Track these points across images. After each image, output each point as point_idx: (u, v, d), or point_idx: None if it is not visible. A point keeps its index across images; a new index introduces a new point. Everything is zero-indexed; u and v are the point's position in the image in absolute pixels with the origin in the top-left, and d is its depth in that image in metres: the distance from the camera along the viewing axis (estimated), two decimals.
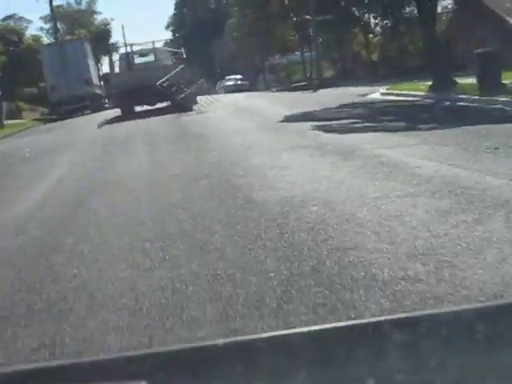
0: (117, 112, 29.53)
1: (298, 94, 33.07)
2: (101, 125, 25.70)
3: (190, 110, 25.35)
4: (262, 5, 56.65)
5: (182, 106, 25.64)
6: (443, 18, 52.64)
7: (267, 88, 59.05)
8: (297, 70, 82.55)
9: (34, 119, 42.89)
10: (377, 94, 26.63)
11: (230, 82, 65.19)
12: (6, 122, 36.49)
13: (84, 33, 60.91)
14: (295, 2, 49.97)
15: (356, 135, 12.80)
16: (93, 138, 19.91)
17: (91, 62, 47.14)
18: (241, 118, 19.18)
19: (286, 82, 65.37)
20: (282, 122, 17.06)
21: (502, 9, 41.68)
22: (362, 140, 11.92)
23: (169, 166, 11.31)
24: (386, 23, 51.45)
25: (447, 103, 19.07)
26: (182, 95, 26.47)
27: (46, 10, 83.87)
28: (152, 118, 24.73)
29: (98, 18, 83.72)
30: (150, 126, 20.74)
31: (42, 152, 16.92)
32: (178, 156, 12.52)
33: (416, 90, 23.76)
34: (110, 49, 67.99)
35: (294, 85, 53.52)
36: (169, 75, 27.13)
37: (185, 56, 32.39)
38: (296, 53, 74.75)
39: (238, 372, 1.13)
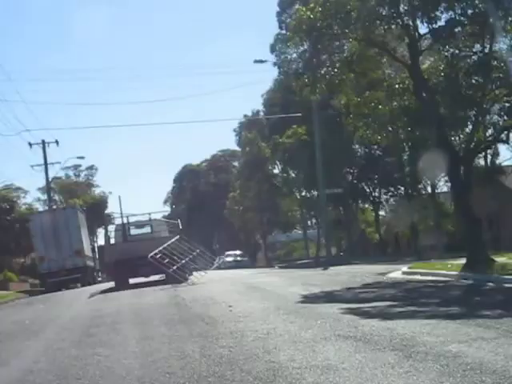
0: (110, 285, 28.19)
1: (306, 271, 30.58)
2: (90, 297, 23.93)
3: (183, 281, 24.89)
4: (267, 178, 55.79)
5: (175, 278, 25.23)
6: None
7: (268, 265, 56.84)
8: (297, 248, 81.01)
9: (20, 291, 40.02)
10: (397, 272, 24.22)
11: (230, 258, 63.15)
12: None
13: (78, 202, 59.32)
14: (301, 176, 48.78)
15: (405, 322, 10.12)
16: (78, 314, 17.17)
17: (84, 233, 45.03)
18: (251, 297, 16.49)
19: (287, 260, 63.36)
20: (302, 302, 14.44)
21: None
22: (417, 329, 9.28)
23: (164, 362, 8.56)
24: (396, 199, 50.05)
25: (491, 284, 16.56)
26: (175, 267, 25.82)
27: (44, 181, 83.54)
28: (147, 290, 22.42)
29: (96, 191, 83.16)
30: (144, 301, 18.01)
31: (9, 333, 14.07)
32: (177, 345, 9.77)
33: (445, 269, 21.34)
34: (105, 220, 66.54)
35: (298, 262, 51.46)
36: (162, 247, 26.89)
37: (181, 227, 31.52)
38: (295, 230, 73.59)
39: None
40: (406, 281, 19.51)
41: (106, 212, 73.74)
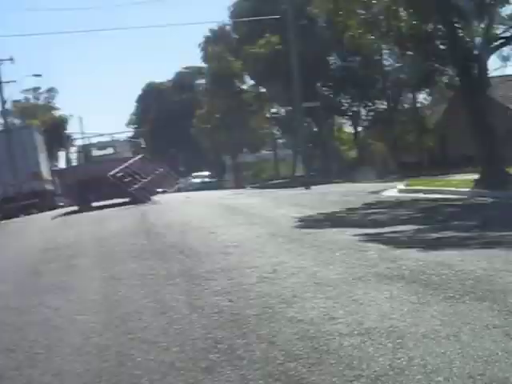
0: (71, 209, 27.37)
1: (287, 191, 27.97)
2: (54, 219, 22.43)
3: (146, 201, 24.12)
4: (236, 95, 52.60)
5: (136, 197, 24.78)
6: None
7: (239, 186, 53.91)
8: (266, 168, 78.30)
9: None
10: (392, 191, 21.81)
11: (197, 180, 60.21)
12: None
13: (36, 123, 55.75)
14: (273, 91, 45.58)
15: (459, 253, 7.55)
16: (28, 245, 14.51)
17: (42, 154, 41.87)
18: (234, 221, 13.83)
19: (258, 180, 60.61)
20: (301, 228, 11.85)
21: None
22: (484, 264, 6.76)
23: (137, 320, 5.96)
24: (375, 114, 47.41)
25: None
26: (136, 186, 25.40)
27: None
28: (110, 214, 19.87)
29: (57, 114, 79.00)
30: (107, 227, 15.33)
31: None
32: (152, 291, 7.20)
33: (451, 186, 18.95)
34: (66, 141, 63.33)
35: (272, 182, 48.88)
36: (123, 165, 26.27)
37: (144, 146, 31.30)
38: (263, 151, 70.66)
39: None
40: (412, 199, 16.98)
41: (66, 133, 70.24)
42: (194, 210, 18.32)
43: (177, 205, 22.19)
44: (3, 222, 29.50)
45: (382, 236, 9.67)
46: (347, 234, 10.05)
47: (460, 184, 18.74)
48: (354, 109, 48.54)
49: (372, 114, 48.76)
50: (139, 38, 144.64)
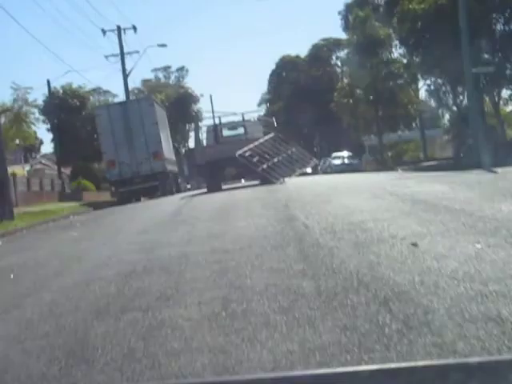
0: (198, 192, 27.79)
1: (463, 174, 21.70)
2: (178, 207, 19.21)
3: (275, 181, 24.68)
4: (383, 65, 46.53)
5: (264, 177, 25.30)
6: None
7: (387, 168, 47.40)
8: (408, 150, 71.40)
9: (85, 204, 33.05)
10: None
11: (338, 161, 53.97)
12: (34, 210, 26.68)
13: (160, 97, 51.67)
14: (430, 58, 38.96)
15: None
16: (106, 261, 9.50)
17: (164, 131, 37.58)
18: (449, 228, 8.20)
19: (405, 162, 54.12)
20: None
21: None
22: None
23: None
24: None
25: None
26: (265, 165, 25.63)
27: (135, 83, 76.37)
28: (243, 205, 15.54)
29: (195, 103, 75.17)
30: (238, 230, 10.19)
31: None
32: None
33: None
34: (194, 118, 59.08)
35: (426, 164, 42.60)
36: (251, 145, 26.58)
37: (276, 125, 31.96)
38: (407, 131, 63.77)
39: None
40: None
41: (195, 110, 65.88)
42: (358, 202, 12.78)
43: (324, 191, 16.99)
44: (114, 209, 25.33)
45: None
46: None
47: None
48: None
49: None
50: (273, 9, 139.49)
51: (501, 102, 43.38)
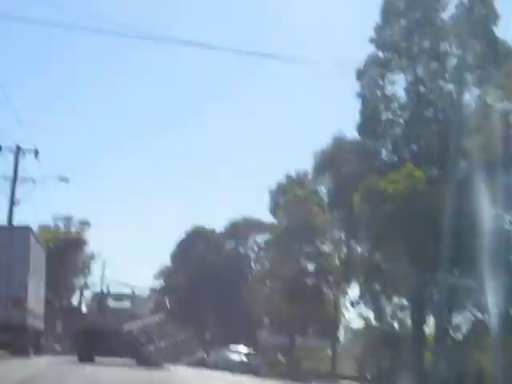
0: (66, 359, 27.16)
1: None
2: None
3: (157, 365, 24.40)
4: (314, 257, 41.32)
5: (148, 360, 24.73)
6: None
7: (295, 378, 39.18)
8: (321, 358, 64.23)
9: None
10: None
11: (235, 357, 44.87)
12: None
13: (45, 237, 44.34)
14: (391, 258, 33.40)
15: None
16: None
17: (36, 276, 30.34)
18: None
19: (314, 373, 47.04)
20: None
21: None
22: None
23: None
24: None
25: None
26: (152, 348, 25.38)
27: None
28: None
29: (86, 250, 67.84)
30: None
31: None
32: None
33: None
34: (80, 269, 52.00)
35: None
36: (140, 323, 26.63)
37: (168, 307, 35.38)
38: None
39: None
40: None
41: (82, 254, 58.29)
42: None
43: None
44: None
45: None
46: None
47: None
48: None
49: None
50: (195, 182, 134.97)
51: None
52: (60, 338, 58.42)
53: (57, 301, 54.86)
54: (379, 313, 35.99)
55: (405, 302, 34.54)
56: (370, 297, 35.95)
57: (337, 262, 40.74)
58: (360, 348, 50.59)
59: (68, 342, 53.73)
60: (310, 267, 42.11)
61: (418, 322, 33.10)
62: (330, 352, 55.68)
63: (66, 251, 52.32)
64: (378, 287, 34.86)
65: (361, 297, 37.00)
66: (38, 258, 30.68)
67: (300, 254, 43.05)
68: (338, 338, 52.57)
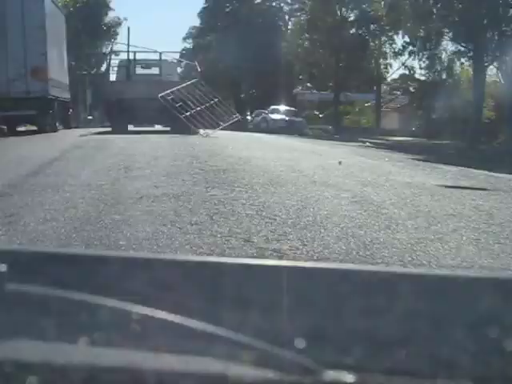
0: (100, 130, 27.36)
1: None
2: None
3: (194, 132, 23.05)
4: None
5: (185, 125, 23.69)
6: None
7: (327, 137, 37.36)
8: (362, 114, 62.24)
9: None
10: None
11: (277, 116, 42.98)
12: None
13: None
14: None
15: None
16: None
17: (56, 42, 28.09)
18: None
19: (358, 131, 44.87)
20: None
21: None
22: None
23: None
24: None
25: None
26: (188, 113, 24.01)
27: None
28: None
29: (109, 16, 64.06)
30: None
31: None
32: None
33: None
34: (106, 34, 49.18)
35: (398, 138, 34.31)
36: (174, 88, 25.30)
37: (199, 70, 29.90)
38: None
39: None
40: None
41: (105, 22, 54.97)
42: None
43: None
44: None
45: None
46: None
47: None
48: None
49: None
50: None
51: None
52: (91, 109, 57.17)
53: (84, 70, 52.75)
54: (432, 60, 33.26)
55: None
56: (420, 42, 33.02)
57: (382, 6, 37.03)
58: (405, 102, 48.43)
59: (99, 112, 52.43)
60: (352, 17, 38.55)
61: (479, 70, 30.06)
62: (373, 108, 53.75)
63: (88, 16, 49.13)
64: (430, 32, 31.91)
65: (410, 43, 34.11)
66: (56, 24, 28.22)
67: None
68: (380, 93, 50.07)
